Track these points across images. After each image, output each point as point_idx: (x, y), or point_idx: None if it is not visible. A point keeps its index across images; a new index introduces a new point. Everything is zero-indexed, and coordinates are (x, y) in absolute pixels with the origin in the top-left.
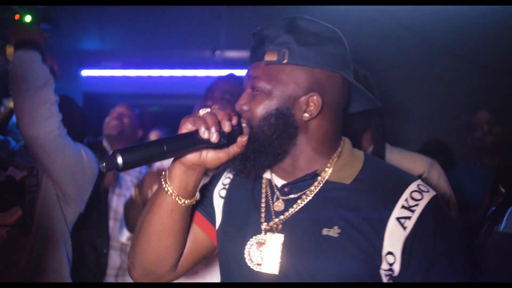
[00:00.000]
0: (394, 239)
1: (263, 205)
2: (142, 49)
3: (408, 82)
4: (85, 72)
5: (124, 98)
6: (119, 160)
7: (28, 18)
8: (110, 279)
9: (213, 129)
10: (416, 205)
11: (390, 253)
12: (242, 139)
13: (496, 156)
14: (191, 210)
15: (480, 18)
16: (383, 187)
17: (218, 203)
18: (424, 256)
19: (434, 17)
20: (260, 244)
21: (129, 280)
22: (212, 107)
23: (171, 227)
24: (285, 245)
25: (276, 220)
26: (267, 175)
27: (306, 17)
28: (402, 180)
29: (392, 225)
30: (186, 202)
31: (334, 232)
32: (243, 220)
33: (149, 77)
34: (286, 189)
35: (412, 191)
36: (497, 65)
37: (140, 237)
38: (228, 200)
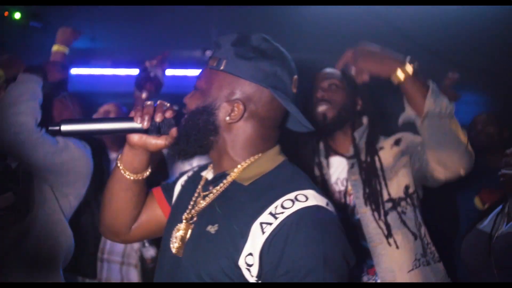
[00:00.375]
0: (255, 242)
1: (193, 197)
2: (132, 48)
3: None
4: (74, 70)
5: (114, 97)
6: (62, 127)
7: (17, 15)
8: (114, 266)
9: (146, 117)
10: (282, 213)
11: (250, 254)
12: (173, 131)
13: (489, 156)
14: (145, 185)
15: (476, 20)
16: (267, 193)
17: (177, 190)
18: (274, 262)
19: (427, 19)
20: (177, 230)
21: (132, 269)
22: (157, 101)
23: (121, 194)
24: (190, 234)
25: (192, 211)
26: (207, 170)
27: (263, 35)
28: (285, 188)
29: (255, 228)
30: (130, 176)
31: (213, 229)
32: (179, 207)
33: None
34: (209, 186)
35: (286, 200)
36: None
37: (102, 197)
38: (181, 189)
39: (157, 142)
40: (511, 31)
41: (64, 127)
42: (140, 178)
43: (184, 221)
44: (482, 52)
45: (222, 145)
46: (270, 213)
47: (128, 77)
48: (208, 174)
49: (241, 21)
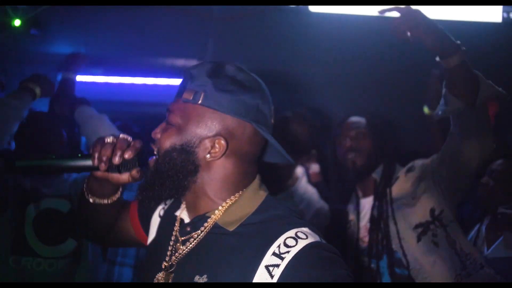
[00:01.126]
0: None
1: (171, 241)
2: (126, 56)
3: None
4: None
5: (105, 104)
6: (16, 163)
7: (17, 22)
8: (127, 269)
9: (103, 159)
10: (287, 252)
11: None
12: (134, 172)
13: None
14: (117, 203)
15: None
16: (263, 234)
17: (155, 220)
18: None
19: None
20: (157, 280)
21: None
22: (119, 137)
23: (92, 216)
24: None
25: (172, 258)
26: (180, 209)
27: (237, 64)
28: (282, 226)
29: (260, 273)
30: (92, 199)
31: (202, 279)
32: (159, 251)
33: (132, 85)
34: (187, 228)
35: (287, 238)
36: None
37: (76, 216)
38: (160, 223)
39: (119, 178)
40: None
41: (19, 163)
42: (109, 202)
43: (163, 269)
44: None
45: (200, 186)
46: (274, 254)
47: (120, 85)
48: (183, 214)
49: (238, 31)
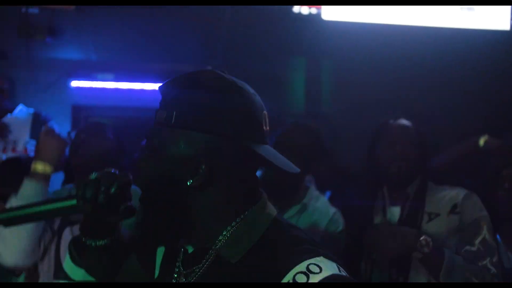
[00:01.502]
0: None
1: (175, 273)
2: (135, 61)
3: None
4: (74, 83)
5: (115, 110)
6: None
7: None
8: None
9: (89, 199)
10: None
11: None
12: (121, 210)
13: None
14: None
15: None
16: (270, 267)
17: (160, 250)
18: None
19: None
20: None
21: None
22: (100, 174)
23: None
24: None
25: None
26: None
27: (215, 70)
28: (292, 257)
29: None
30: (90, 242)
31: None
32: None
33: (142, 91)
34: (190, 261)
35: (297, 273)
36: None
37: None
38: (165, 253)
39: (109, 217)
40: None
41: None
42: (108, 241)
43: None
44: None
45: (194, 216)
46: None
47: (130, 91)
48: (188, 245)
49: (248, 37)
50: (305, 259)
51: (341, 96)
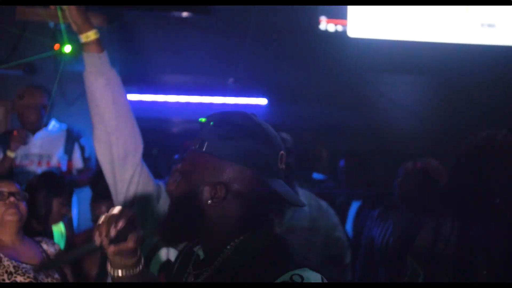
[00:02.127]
0: None
1: (185, 273)
2: (158, 74)
3: None
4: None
5: (139, 122)
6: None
7: (68, 49)
8: None
9: (104, 237)
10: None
11: None
12: (131, 239)
13: None
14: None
15: None
16: (263, 276)
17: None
18: None
19: None
20: None
21: None
22: (106, 216)
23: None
24: None
25: None
26: (199, 246)
27: (248, 113)
28: (278, 269)
29: None
30: (119, 273)
31: None
32: (173, 280)
33: (165, 103)
34: (200, 264)
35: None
36: None
37: None
38: (178, 254)
39: (124, 247)
40: None
41: (43, 267)
42: (134, 272)
43: None
44: None
45: (209, 227)
46: None
47: (153, 103)
48: (200, 251)
49: (269, 51)
50: (290, 270)
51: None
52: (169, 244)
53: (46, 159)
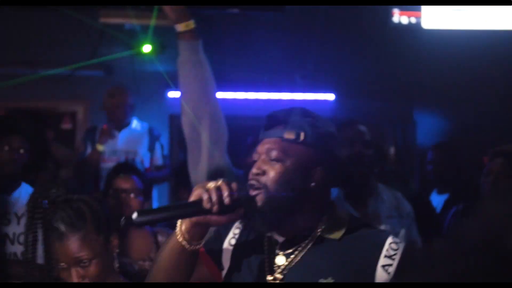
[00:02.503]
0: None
1: (266, 258)
2: (229, 72)
3: None
4: (171, 94)
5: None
6: (136, 219)
7: (147, 49)
8: None
9: (215, 201)
10: (395, 254)
11: None
12: (240, 211)
13: None
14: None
15: None
16: (368, 240)
17: (227, 251)
18: None
19: None
20: None
21: None
22: (219, 182)
23: (176, 265)
24: None
25: (279, 272)
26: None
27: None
28: (381, 234)
29: (379, 272)
30: (188, 246)
31: (327, 281)
32: (248, 271)
33: (234, 99)
34: (286, 245)
35: (391, 243)
36: None
37: (152, 269)
38: (236, 250)
39: (221, 219)
40: None
41: (137, 219)
42: (196, 248)
43: (270, 283)
44: None
45: (305, 208)
46: (386, 256)
47: (223, 100)
48: (275, 235)
49: (338, 45)
50: (389, 235)
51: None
52: (266, 229)
53: (132, 155)
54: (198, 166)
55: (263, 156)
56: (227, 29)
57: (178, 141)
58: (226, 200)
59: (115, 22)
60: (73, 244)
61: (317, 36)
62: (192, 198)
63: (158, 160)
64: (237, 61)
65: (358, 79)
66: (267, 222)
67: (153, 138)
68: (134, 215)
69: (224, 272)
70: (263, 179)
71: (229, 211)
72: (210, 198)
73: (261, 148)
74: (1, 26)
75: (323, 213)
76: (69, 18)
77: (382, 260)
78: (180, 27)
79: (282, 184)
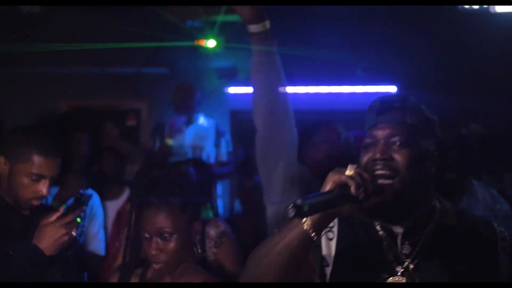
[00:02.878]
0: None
1: (388, 249)
2: (289, 66)
3: None
4: (232, 89)
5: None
6: (305, 208)
7: (212, 43)
8: None
9: (361, 189)
10: (504, 231)
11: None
12: (376, 200)
13: None
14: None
15: None
16: (479, 226)
17: (326, 244)
18: None
19: None
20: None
21: None
22: (357, 169)
23: (294, 255)
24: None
25: (409, 261)
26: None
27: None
28: (485, 220)
29: (501, 255)
30: (314, 236)
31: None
32: (366, 263)
33: (295, 94)
34: (408, 234)
35: (498, 226)
36: None
37: (266, 262)
38: (340, 243)
39: (350, 209)
40: None
41: (306, 207)
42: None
43: (401, 274)
44: None
45: (426, 195)
46: (503, 239)
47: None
48: (389, 226)
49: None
50: (492, 221)
51: None
52: (390, 218)
53: (199, 151)
54: (275, 166)
55: (383, 141)
56: (288, 23)
57: (239, 137)
58: (370, 188)
59: (179, 19)
60: (159, 215)
61: (379, 26)
62: (329, 186)
63: (223, 156)
64: (297, 56)
65: (422, 70)
66: (393, 211)
67: (219, 134)
68: (299, 201)
69: (329, 269)
70: (394, 165)
71: (367, 199)
72: (358, 185)
73: (381, 133)
74: (69, 27)
75: (434, 197)
76: (133, 16)
77: (501, 243)
78: (256, 28)
79: (414, 170)
